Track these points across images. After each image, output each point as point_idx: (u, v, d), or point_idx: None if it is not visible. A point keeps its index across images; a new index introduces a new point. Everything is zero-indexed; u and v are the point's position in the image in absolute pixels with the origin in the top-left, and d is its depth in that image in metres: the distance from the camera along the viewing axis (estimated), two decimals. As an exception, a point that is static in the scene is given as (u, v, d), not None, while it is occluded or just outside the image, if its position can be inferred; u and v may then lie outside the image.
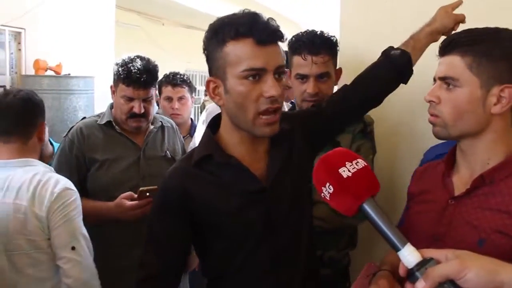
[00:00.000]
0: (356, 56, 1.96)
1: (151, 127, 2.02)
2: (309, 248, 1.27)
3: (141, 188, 1.75)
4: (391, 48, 1.43)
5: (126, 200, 1.76)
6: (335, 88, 1.67)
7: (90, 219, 1.72)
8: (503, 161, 1.01)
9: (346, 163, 0.86)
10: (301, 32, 1.68)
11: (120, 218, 1.77)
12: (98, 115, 2.01)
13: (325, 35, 1.66)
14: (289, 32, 1.63)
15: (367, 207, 0.83)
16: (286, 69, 1.31)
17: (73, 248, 1.52)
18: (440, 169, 1.12)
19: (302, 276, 1.23)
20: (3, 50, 4.05)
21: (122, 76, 1.85)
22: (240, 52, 1.08)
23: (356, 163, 0.86)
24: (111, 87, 1.96)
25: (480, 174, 1.01)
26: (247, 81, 1.08)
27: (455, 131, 1.04)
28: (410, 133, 1.91)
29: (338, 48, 1.69)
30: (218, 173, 1.18)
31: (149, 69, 1.87)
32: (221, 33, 1.10)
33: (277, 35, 1.11)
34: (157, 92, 2.64)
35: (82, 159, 1.88)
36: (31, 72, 4.06)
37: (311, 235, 1.29)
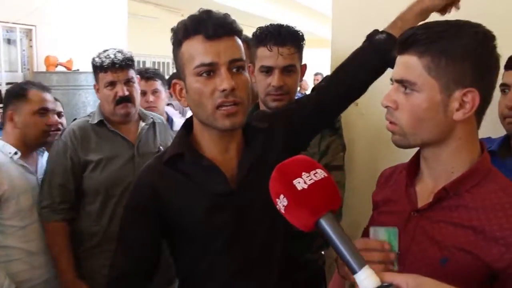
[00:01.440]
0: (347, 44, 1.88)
1: (142, 124, 2.03)
2: (286, 252, 1.22)
3: None
4: (376, 31, 1.34)
5: None
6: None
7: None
8: (468, 170, 0.91)
9: (303, 173, 0.79)
10: (265, 25, 1.62)
11: None
12: (89, 115, 2.02)
13: (291, 27, 1.59)
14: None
15: (324, 223, 0.76)
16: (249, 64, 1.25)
17: None
18: (404, 177, 1.03)
19: (275, 282, 1.19)
20: (15, 47, 4.10)
21: (98, 65, 1.92)
22: (192, 50, 1.08)
23: (314, 174, 0.79)
24: (94, 86, 2.00)
25: (443, 187, 0.91)
26: (201, 78, 1.08)
27: (415, 140, 0.94)
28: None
29: (303, 43, 1.62)
30: (189, 173, 1.15)
31: (122, 52, 1.94)
32: (177, 35, 1.12)
33: (227, 28, 1.08)
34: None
35: (77, 162, 1.89)
36: (43, 68, 4.10)
37: (288, 239, 1.24)
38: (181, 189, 1.15)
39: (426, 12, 1.30)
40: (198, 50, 1.06)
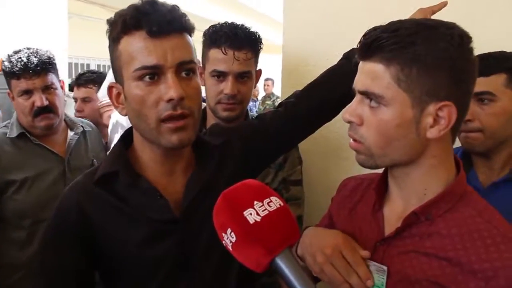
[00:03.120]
0: (300, 46, 1.78)
1: (71, 133, 1.79)
2: (241, 278, 1.06)
3: None
4: (355, 50, 1.20)
5: None
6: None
7: None
8: (442, 193, 0.80)
9: (255, 202, 0.69)
10: (219, 24, 1.46)
11: None
12: (6, 126, 1.74)
13: (248, 28, 1.45)
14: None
15: (280, 263, 0.66)
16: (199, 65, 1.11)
17: None
18: (371, 197, 0.90)
19: None
20: None
21: (8, 71, 1.64)
22: (131, 49, 0.89)
23: (268, 203, 0.69)
24: (8, 93, 1.72)
25: (413, 211, 0.80)
26: (142, 83, 0.89)
27: (384, 161, 0.81)
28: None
29: (261, 46, 1.48)
30: (124, 196, 0.97)
31: (38, 54, 1.66)
32: (114, 29, 0.92)
33: (176, 24, 0.90)
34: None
35: None
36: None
37: (245, 271, 1.09)
38: (115, 213, 0.97)
39: None
40: (139, 50, 0.88)
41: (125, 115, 0.98)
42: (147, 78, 0.88)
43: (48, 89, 1.67)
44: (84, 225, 0.97)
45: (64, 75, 4.29)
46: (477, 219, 0.77)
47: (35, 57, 1.64)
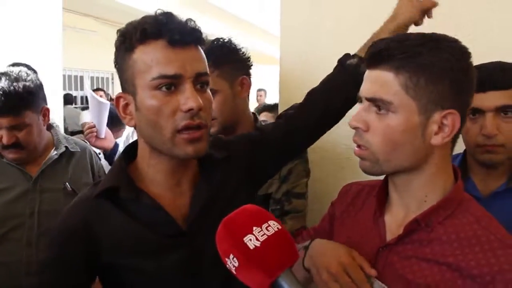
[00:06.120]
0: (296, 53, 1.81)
1: (53, 153, 1.69)
2: None
3: None
4: (347, 55, 1.23)
5: None
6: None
7: None
8: (441, 200, 0.83)
9: (254, 228, 0.72)
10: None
11: None
12: None
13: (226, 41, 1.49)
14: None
15: (282, 283, 0.69)
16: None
17: None
18: (372, 204, 0.93)
19: None
20: None
21: None
22: (149, 58, 0.89)
23: (266, 228, 0.72)
24: None
25: (414, 218, 0.83)
26: (159, 93, 0.89)
27: (389, 167, 0.84)
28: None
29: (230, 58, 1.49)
30: (129, 209, 0.96)
31: (10, 92, 1.50)
32: (128, 38, 0.92)
33: (195, 36, 0.92)
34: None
35: None
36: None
37: None
38: (120, 225, 0.96)
39: (400, 29, 1.20)
40: (158, 58, 0.88)
41: (133, 126, 0.97)
42: (164, 88, 0.88)
43: (18, 126, 1.56)
44: (90, 241, 0.95)
45: (59, 88, 4.30)
46: (475, 225, 0.80)
47: (7, 95, 1.49)
